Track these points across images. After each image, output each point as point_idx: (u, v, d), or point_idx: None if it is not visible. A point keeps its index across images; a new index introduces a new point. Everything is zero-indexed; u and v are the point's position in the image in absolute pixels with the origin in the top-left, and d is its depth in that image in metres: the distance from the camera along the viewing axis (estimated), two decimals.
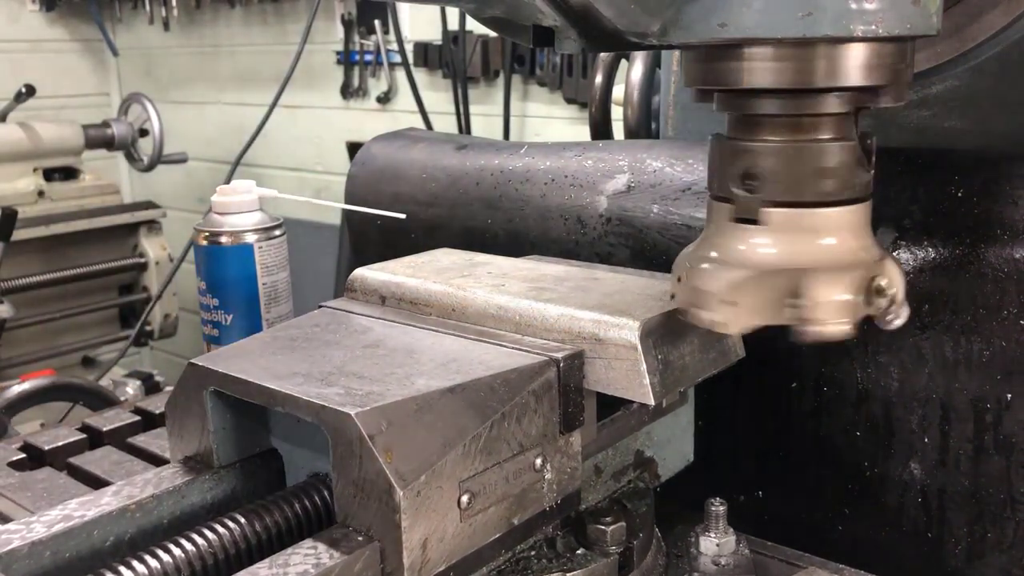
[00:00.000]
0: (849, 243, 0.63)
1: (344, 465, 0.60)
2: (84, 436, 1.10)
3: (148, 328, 3.09)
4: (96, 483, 0.98)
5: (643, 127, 1.41)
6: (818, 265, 0.61)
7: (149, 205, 3.28)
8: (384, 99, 3.11)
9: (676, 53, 1.15)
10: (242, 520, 0.65)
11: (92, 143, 3.25)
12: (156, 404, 1.17)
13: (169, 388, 1.27)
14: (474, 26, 2.74)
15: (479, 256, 0.94)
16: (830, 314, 0.61)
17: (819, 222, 0.62)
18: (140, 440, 1.09)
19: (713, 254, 0.65)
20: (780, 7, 0.55)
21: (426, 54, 2.91)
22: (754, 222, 0.62)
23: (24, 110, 3.12)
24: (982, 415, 0.83)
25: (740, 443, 0.98)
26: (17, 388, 1.40)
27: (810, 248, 0.62)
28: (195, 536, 0.62)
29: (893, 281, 0.63)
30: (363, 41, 3.11)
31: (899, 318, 0.63)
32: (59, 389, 1.47)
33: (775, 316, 0.62)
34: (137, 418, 1.15)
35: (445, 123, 2.81)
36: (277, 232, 1.18)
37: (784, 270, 0.61)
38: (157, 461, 1.02)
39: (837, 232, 0.62)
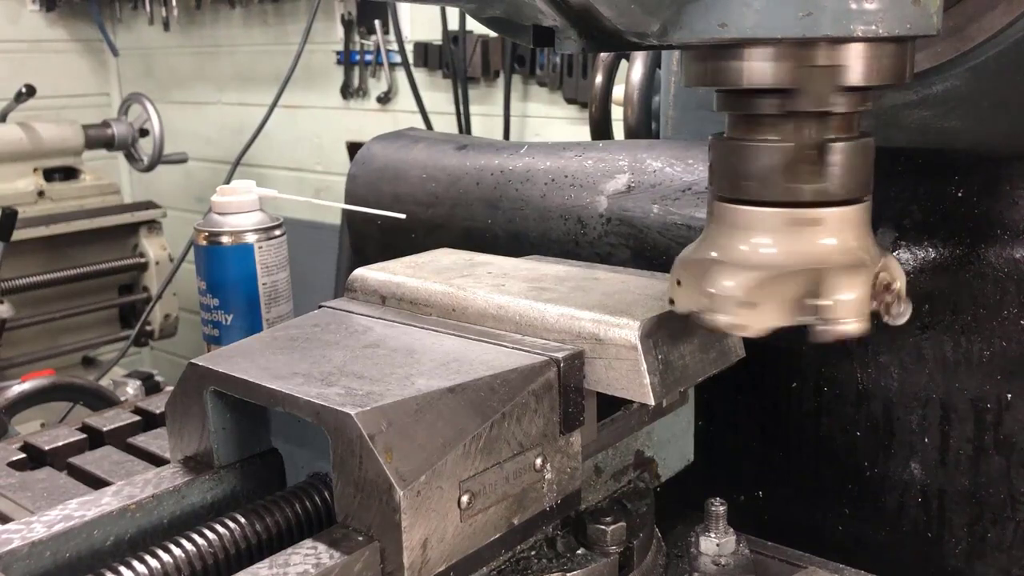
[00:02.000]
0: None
1: (344, 465, 0.60)
2: (84, 436, 1.10)
3: (148, 328, 3.09)
4: (96, 483, 0.98)
5: (643, 127, 1.41)
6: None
7: (149, 205, 3.28)
8: (384, 99, 3.11)
9: (676, 53, 1.15)
10: (242, 520, 0.65)
11: (92, 143, 3.25)
12: (156, 404, 1.17)
13: (169, 388, 1.27)
14: (474, 26, 2.74)
15: (479, 256, 0.94)
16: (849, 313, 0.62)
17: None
18: (140, 440, 1.09)
19: (713, 254, 0.65)
20: (780, 7, 0.55)
21: (426, 54, 2.91)
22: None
23: (24, 110, 3.12)
24: (982, 415, 0.83)
25: (740, 443, 0.98)
26: (17, 388, 1.40)
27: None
28: (195, 536, 0.62)
29: (897, 276, 0.63)
30: (363, 41, 3.11)
31: (904, 315, 0.63)
32: (59, 389, 1.46)
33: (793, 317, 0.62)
34: (137, 418, 1.15)
35: (445, 123, 2.82)
36: (277, 232, 1.18)
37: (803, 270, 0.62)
38: (157, 461, 1.02)
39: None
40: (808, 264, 0.61)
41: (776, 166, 0.61)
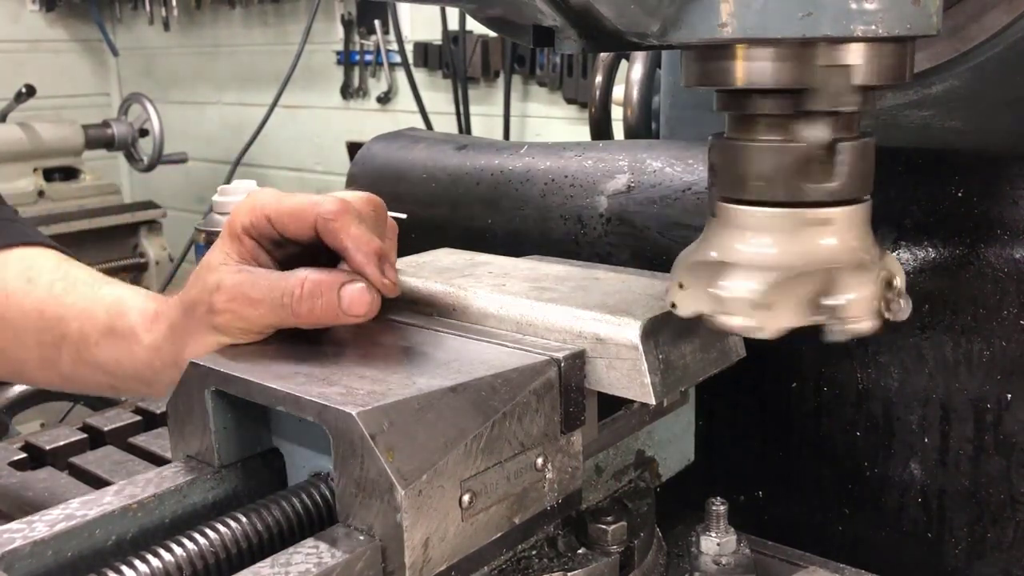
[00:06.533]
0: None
1: (346, 464, 0.60)
2: (85, 436, 1.10)
3: None
4: (97, 483, 0.98)
5: (643, 127, 1.41)
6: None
7: (149, 205, 3.28)
8: (384, 99, 3.11)
9: (676, 53, 1.15)
10: (244, 519, 0.65)
11: (92, 143, 3.25)
12: (157, 404, 1.17)
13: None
14: (474, 26, 2.74)
15: (480, 256, 0.94)
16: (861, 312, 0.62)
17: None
18: (141, 440, 1.09)
19: (717, 255, 0.65)
20: (780, 7, 0.55)
21: (426, 54, 2.91)
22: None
23: (24, 110, 3.12)
24: (982, 415, 0.83)
25: (740, 443, 0.98)
26: (17, 388, 1.40)
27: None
28: (197, 535, 0.62)
29: (897, 273, 0.63)
30: (363, 41, 3.12)
31: (905, 312, 0.64)
32: None
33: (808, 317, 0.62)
34: (138, 418, 1.15)
35: (445, 123, 2.82)
36: None
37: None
38: (158, 461, 1.02)
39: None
40: (818, 264, 0.61)
41: (780, 166, 0.62)
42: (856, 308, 0.61)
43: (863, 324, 0.62)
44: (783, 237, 0.62)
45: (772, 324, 0.62)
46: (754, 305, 0.62)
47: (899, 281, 0.63)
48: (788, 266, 0.62)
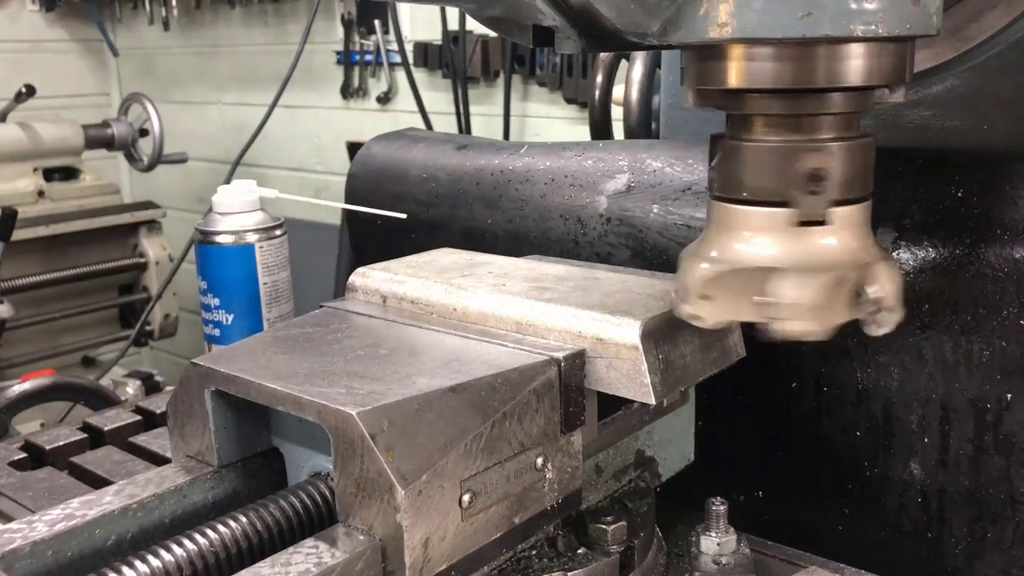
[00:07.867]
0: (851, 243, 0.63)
1: (345, 464, 0.60)
2: (85, 436, 1.10)
3: (148, 328, 3.09)
4: (97, 482, 0.98)
5: (643, 127, 1.41)
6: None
7: (149, 205, 3.28)
8: (384, 99, 3.11)
9: (676, 52, 1.15)
10: (243, 519, 0.65)
11: (92, 143, 3.24)
12: (157, 404, 1.17)
13: (170, 388, 1.27)
14: (474, 26, 2.74)
15: (480, 256, 0.94)
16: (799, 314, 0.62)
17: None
18: (141, 440, 1.09)
19: (713, 253, 0.65)
20: (780, 7, 0.55)
21: (426, 54, 2.91)
22: (820, 223, 0.61)
23: (24, 110, 3.12)
24: (982, 415, 0.83)
25: (740, 443, 0.98)
26: (17, 388, 1.40)
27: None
28: (197, 535, 0.63)
29: (886, 282, 0.62)
30: (363, 41, 3.11)
31: (887, 323, 0.63)
32: (59, 389, 1.46)
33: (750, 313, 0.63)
34: (138, 418, 1.15)
35: (445, 123, 2.81)
36: (278, 232, 1.18)
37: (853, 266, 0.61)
38: (158, 461, 1.02)
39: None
40: (757, 263, 0.61)
41: (767, 166, 0.62)
42: (792, 310, 0.61)
43: (800, 327, 0.62)
44: (736, 233, 0.63)
45: (711, 315, 0.64)
46: (699, 295, 0.64)
47: (885, 292, 0.62)
48: (729, 261, 0.63)
